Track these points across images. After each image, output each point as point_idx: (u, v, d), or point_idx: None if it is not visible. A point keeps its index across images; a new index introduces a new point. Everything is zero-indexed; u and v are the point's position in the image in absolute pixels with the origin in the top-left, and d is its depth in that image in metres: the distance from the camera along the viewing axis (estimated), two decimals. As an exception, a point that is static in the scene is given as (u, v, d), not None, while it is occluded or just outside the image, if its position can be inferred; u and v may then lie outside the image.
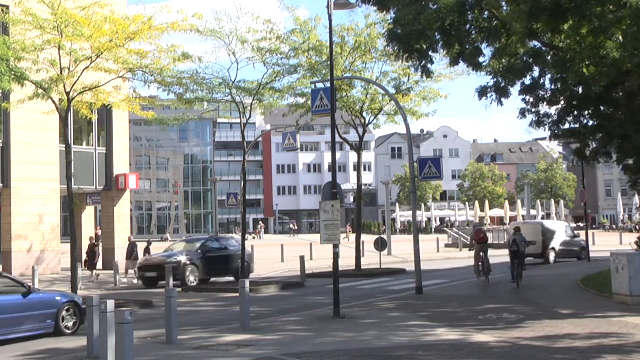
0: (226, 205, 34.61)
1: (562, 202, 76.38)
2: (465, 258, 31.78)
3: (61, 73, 17.97)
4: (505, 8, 16.46)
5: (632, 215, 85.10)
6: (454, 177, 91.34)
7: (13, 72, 17.24)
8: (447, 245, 46.78)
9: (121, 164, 31.64)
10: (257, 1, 38.60)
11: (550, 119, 19.76)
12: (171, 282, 21.63)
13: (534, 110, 19.54)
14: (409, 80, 25.07)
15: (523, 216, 61.42)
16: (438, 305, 16.22)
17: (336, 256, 14.99)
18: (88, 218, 32.60)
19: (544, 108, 19.71)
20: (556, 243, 31.83)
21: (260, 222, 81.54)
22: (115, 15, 18.26)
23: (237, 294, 15.10)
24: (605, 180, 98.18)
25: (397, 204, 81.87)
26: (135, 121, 66.76)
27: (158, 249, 29.67)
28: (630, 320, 13.00)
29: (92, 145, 31.17)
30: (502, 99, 17.69)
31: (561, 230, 33.04)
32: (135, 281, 24.72)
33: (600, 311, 14.31)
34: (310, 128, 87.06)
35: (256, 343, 11.62)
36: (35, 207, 27.93)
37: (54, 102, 18.68)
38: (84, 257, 26.43)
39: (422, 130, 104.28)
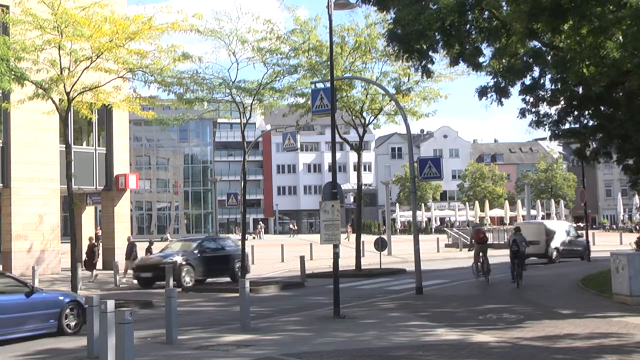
0: (226, 205, 34.61)
1: (562, 202, 76.38)
2: (465, 258, 31.77)
3: (61, 73, 17.98)
4: (505, 8, 16.47)
5: (632, 215, 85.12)
6: (454, 177, 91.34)
7: (13, 72, 17.24)
8: (447, 245, 46.80)
9: (121, 164, 31.64)
10: (257, 1, 38.61)
11: (550, 119, 19.78)
12: (171, 282, 21.63)
13: (533, 110, 19.55)
14: (409, 80, 25.08)
15: (523, 216, 61.41)
16: (438, 305, 16.22)
17: (336, 256, 14.99)
18: (88, 218, 32.60)
19: (544, 108, 19.74)
20: (559, 243, 31.96)
21: (260, 222, 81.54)
22: (115, 15, 18.26)
23: (237, 294, 15.10)
24: (605, 180, 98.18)
25: (397, 204, 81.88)
26: (135, 121, 66.76)
27: (157, 249, 29.62)
28: (630, 320, 13.00)
29: (92, 145, 31.16)
30: (502, 99, 17.69)
31: (564, 230, 33.14)
32: (135, 281, 24.71)
33: (600, 311, 14.31)
34: (310, 128, 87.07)
35: (256, 343, 11.62)
36: (35, 207, 27.92)
37: (54, 102, 18.68)
38: (83, 257, 26.42)
39: (422, 130, 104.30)
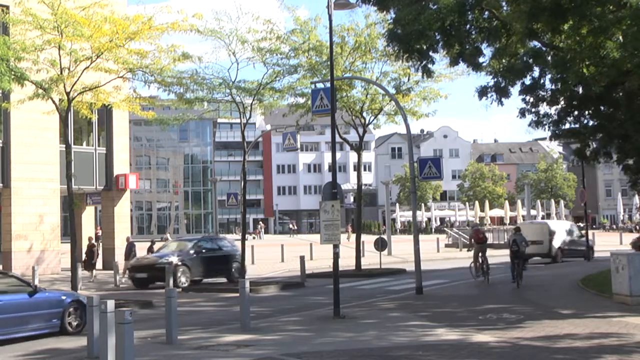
0: (226, 205, 34.62)
1: (562, 202, 76.37)
2: (465, 258, 31.76)
3: (61, 73, 17.98)
4: (505, 8, 16.46)
5: (632, 215, 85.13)
6: (454, 177, 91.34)
7: (13, 72, 17.24)
8: (447, 245, 46.82)
9: (121, 164, 31.64)
10: (257, 1, 38.61)
11: (550, 119, 19.77)
12: (171, 282, 21.63)
13: (533, 110, 19.55)
14: (409, 80, 25.08)
15: (523, 216, 61.40)
16: (438, 305, 16.22)
17: (336, 256, 14.99)
18: (88, 218, 32.60)
19: (544, 108, 19.73)
20: (563, 242, 32.03)
21: (260, 222, 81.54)
22: (115, 15, 18.27)
23: (237, 294, 15.10)
24: (605, 180, 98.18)
25: (397, 204, 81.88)
26: (135, 121, 66.75)
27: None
28: (630, 320, 13.00)
29: (92, 145, 31.17)
30: (502, 99, 17.68)
31: (568, 230, 33.19)
32: (130, 282, 24.59)
33: (600, 311, 14.31)
34: (310, 128, 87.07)
35: (256, 343, 11.62)
36: (35, 207, 27.93)
37: (54, 102, 18.69)
38: (83, 257, 26.40)
39: (422, 130, 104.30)
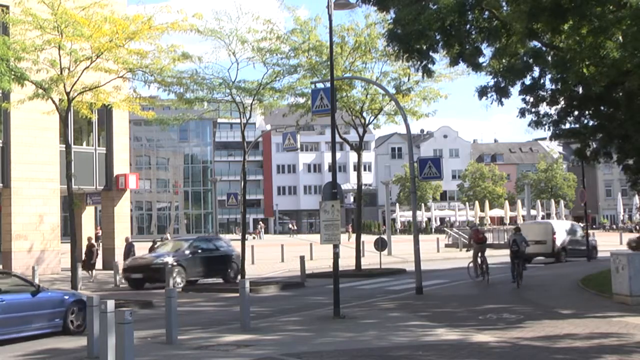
0: (226, 205, 34.63)
1: (562, 202, 76.36)
2: (465, 258, 31.75)
3: (61, 73, 17.98)
4: (505, 8, 16.46)
5: (632, 215, 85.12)
6: (454, 177, 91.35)
7: (13, 72, 17.24)
8: (447, 245, 46.80)
9: (121, 164, 31.64)
10: (257, 1, 38.60)
11: (550, 119, 19.77)
12: (171, 282, 21.62)
13: (533, 110, 19.55)
14: (409, 80, 25.07)
15: (523, 216, 61.40)
16: (438, 305, 16.22)
17: (336, 256, 14.98)
18: (88, 218, 32.60)
19: (544, 108, 19.74)
20: (567, 242, 32.11)
21: (260, 222, 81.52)
22: (115, 15, 18.26)
23: (237, 294, 15.10)
24: (605, 180, 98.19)
25: (397, 204, 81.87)
26: (135, 121, 66.76)
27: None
28: (630, 320, 13.00)
29: (92, 145, 31.16)
30: (502, 99, 17.69)
31: (571, 230, 33.22)
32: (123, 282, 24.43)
33: (600, 311, 14.31)
34: (310, 128, 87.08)
35: (256, 343, 11.62)
36: (35, 207, 27.92)
37: (54, 102, 18.69)
38: (82, 257, 26.40)
39: (422, 130, 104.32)
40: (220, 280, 24.57)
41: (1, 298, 12.82)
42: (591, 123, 20.16)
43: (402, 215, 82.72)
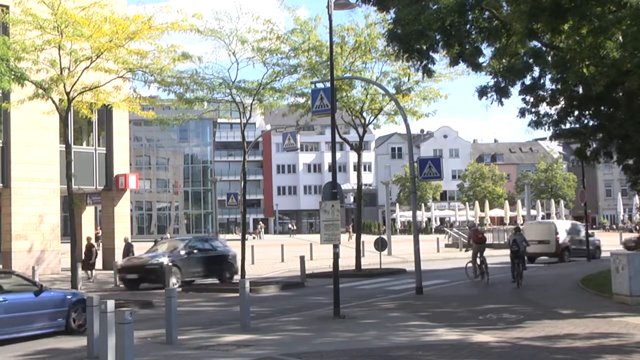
0: (226, 205, 34.58)
1: (562, 202, 76.37)
2: (465, 258, 31.72)
3: (61, 73, 17.98)
4: (505, 8, 16.47)
5: (632, 215, 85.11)
6: (454, 177, 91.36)
7: (13, 72, 17.24)
8: (447, 245, 46.82)
9: (121, 164, 31.63)
10: (257, 1, 38.59)
11: (550, 119, 19.77)
12: (171, 281, 21.60)
13: (533, 110, 19.55)
14: (409, 80, 25.07)
15: (523, 216, 61.38)
16: (438, 305, 16.22)
17: (336, 256, 14.98)
18: (88, 218, 32.58)
19: (544, 108, 19.74)
20: (570, 242, 32.15)
21: (260, 222, 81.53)
22: (115, 15, 18.26)
23: (237, 294, 15.10)
24: (605, 180, 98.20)
25: (397, 204, 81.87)
26: (135, 121, 66.77)
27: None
28: (630, 320, 13.00)
29: (92, 145, 31.16)
30: (502, 99, 17.70)
31: (575, 230, 33.27)
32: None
33: (600, 311, 14.31)
34: (310, 128, 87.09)
35: (256, 343, 11.62)
36: (35, 207, 27.92)
37: (54, 102, 18.69)
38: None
39: (422, 130, 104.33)
40: (217, 281, 24.46)
41: (4, 298, 12.87)
42: (591, 123, 20.17)
43: (402, 215, 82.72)
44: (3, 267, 26.88)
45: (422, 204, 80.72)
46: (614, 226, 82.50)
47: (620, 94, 17.92)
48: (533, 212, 62.08)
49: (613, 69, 14.68)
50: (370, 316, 14.70)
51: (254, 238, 67.75)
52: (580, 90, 18.28)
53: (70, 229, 19.73)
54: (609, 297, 15.94)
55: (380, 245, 28.25)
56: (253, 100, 23.08)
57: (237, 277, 24.62)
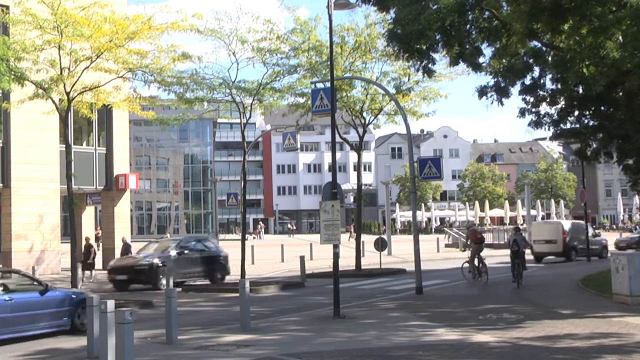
0: (226, 205, 34.57)
1: (562, 202, 76.37)
2: (465, 258, 31.77)
3: (61, 73, 17.98)
4: (505, 8, 16.47)
5: (632, 215, 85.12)
6: (454, 177, 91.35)
7: (13, 72, 17.24)
8: (447, 245, 46.81)
9: (121, 164, 31.63)
10: (257, 1, 38.58)
11: (550, 119, 19.78)
12: (171, 282, 21.58)
13: (534, 110, 19.55)
14: (409, 80, 25.08)
15: (523, 216, 61.36)
16: (438, 305, 16.22)
17: (336, 256, 14.98)
18: (88, 218, 32.58)
19: (544, 108, 19.75)
20: (577, 242, 32.22)
21: (260, 222, 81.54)
22: (115, 15, 18.27)
23: (237, 294, 15.10)
24: (605, 180, 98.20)
25: (397, 204, 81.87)
26: (135, 121, 66.74)
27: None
28: (630, 320, 13.00)
29: (92, 145, 31.16)
30: (502, 99, 17.71)
31: (582, 230, 33.36)
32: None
33: (600, 311, 14.31)
34: (310, 128, 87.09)
35: (256, 343, 11.62)
36: (35, 207, 27.91)
37: (54, 102, 18.69)
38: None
39: (422, 130, 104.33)
40: (207, 282, 24.23)
41: (10, 297, 12.90)
42: (591, 123, 20.16)
43: (402, 215, 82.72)
44: (3, 267, 26.89)
45: (422, 204, 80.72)
46: (614, 226, 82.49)
47: (620, 94, 17.92)
48: (533, 212, 62.03)
49: (613, 69, 14.68)
50: (370, 316, 14.70)
51: (254, 238, 67.75)
52: (580, 90, 18.28)
53: (70, 229, 19.73)
54: (609, 297, 15.94)
55: (380, 245, 28.25)
56: (253, 100, 23.08)
57: (229, 278, 24.59)
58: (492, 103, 17.82)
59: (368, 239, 35.70)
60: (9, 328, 12.69)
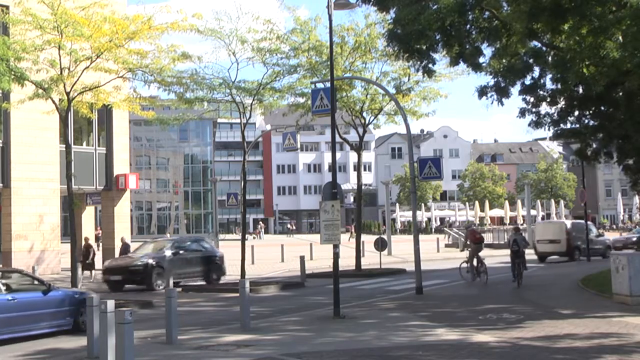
0: (226, 205, 34.57)
1: (562, 202, 76.36)
2: (464, 258, 31.78)
3: (61, 73, 17.98)
4: (505, 8, 16.47)
5: (632, 215, 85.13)
6: (454, 177, 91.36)
7: (13, 72, 17.25)
8: (447, 245, 46.79)
9: (121, 164, 31.64)
10: (257, 1, 38.58)
11: (550, 119, 19.78)
12: (171, 282, 21.57)
13: (534, 110, 19.55)
14: (409, 80, 25.07)
15: (523, 216, 61.35)
16: (438, 305, 16.22)
17: (336, 256, 14.98)
18: (88, 218, 32.59)
19: (544, 108, 19.75)
20: (581, 241, 32.28)
21: (260, 222, 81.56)
22: (115, 15, 18.27)
23: (237, 294, 15.10)
24: (605, 180, 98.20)
25: (397, 204, 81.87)
26: (135, 121, 66.76)
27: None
28: (630, 320, 13.00)
29: (92, 145, 31.17)
30: (502, 99, 17.71)
31: (584, 229, 33.36)
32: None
33: (600, 311, 14.31)
34: (310, 128, 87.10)
35: (256, 343, 11.62)
36: (35, 207, 27.92)
37: (54, 102, 18.69)
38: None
39: (422, 130, 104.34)
40: (203, 282, 24.15)
41: (13, 296, 12.91)
42: (591, 123, 20.16)
43: (402, 215, 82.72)
44: (3, 266, 26.89)
45: (422, 204, 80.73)
46: (614, 226, 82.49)
47: (620, 94, 17.92)
48: (533, 212, 62.04)
49: (613, 69, 14.68)
50: (370, 316, 14.70)
51: (254, 238, 67.77)
52: (580, 90, 18.28)
53: (70, 229, 19.73)
54: (609, 297, 15.94)
55: (380, 245, 28.25)
56: (253, 100, 23.07)
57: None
58: (492, 103, 17.83)
59: (368, 239, 35.69)
60: (12, 328, 12.71)
